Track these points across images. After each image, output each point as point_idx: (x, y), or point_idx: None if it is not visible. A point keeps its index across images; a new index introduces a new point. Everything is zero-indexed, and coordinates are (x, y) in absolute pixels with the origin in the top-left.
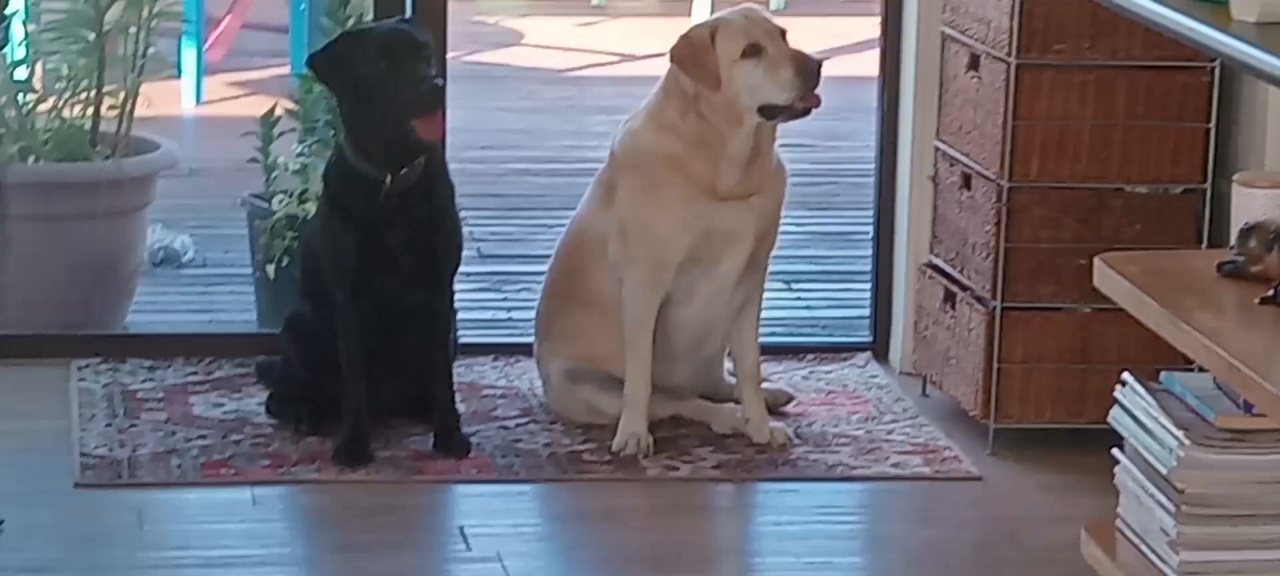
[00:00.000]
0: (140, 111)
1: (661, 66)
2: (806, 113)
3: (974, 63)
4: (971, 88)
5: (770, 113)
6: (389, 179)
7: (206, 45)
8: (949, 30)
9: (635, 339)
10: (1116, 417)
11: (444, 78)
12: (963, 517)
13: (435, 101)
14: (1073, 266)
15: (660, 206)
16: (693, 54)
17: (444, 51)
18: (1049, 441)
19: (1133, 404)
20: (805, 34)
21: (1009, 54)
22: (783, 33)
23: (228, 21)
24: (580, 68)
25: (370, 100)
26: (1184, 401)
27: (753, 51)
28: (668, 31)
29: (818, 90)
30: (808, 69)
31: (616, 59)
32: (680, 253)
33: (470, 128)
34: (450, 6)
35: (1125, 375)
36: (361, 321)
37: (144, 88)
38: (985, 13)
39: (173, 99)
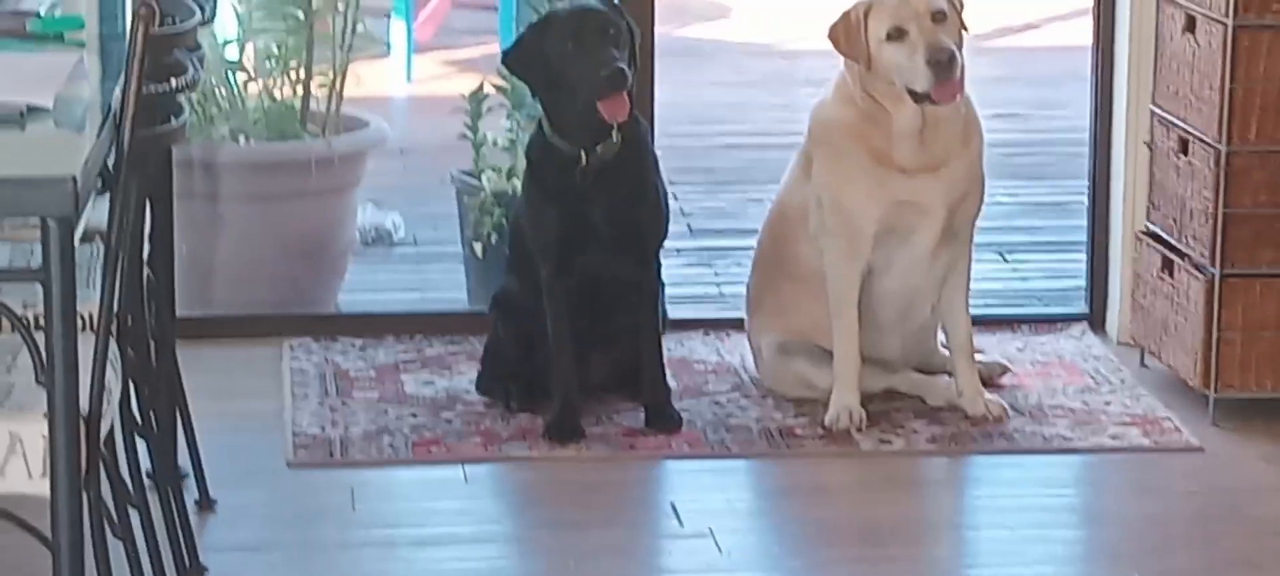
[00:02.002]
0: (350, 90)
1: None
2: (946, 101)
3: (1190, 25)
4: (1188, 51)
5: (915, 97)
6: (584, 155)
7: (417, 24)
8: None
9: (840, 310)
10: None
11: (633, 56)
12: (1183, 489)
13: (618, 83)
14: None
15: (848, 178)
16: (846, 32)
17: (651, 26)
18: (1271, 410)
19: None
20: (1015, 4)
21: (1226, 15)
22: (940, 14)
23: (437, 1)
24: (791, 40)
25: (560, 81)
26: None
27: (897, 34)
28: None
29: (951, 81)
30: (937, 61)
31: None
32: (872, 223)
33: (679, 102)
34: None
35: None
36: (569, 297)
37: (355, 67)
38: None
39: (385, 79)
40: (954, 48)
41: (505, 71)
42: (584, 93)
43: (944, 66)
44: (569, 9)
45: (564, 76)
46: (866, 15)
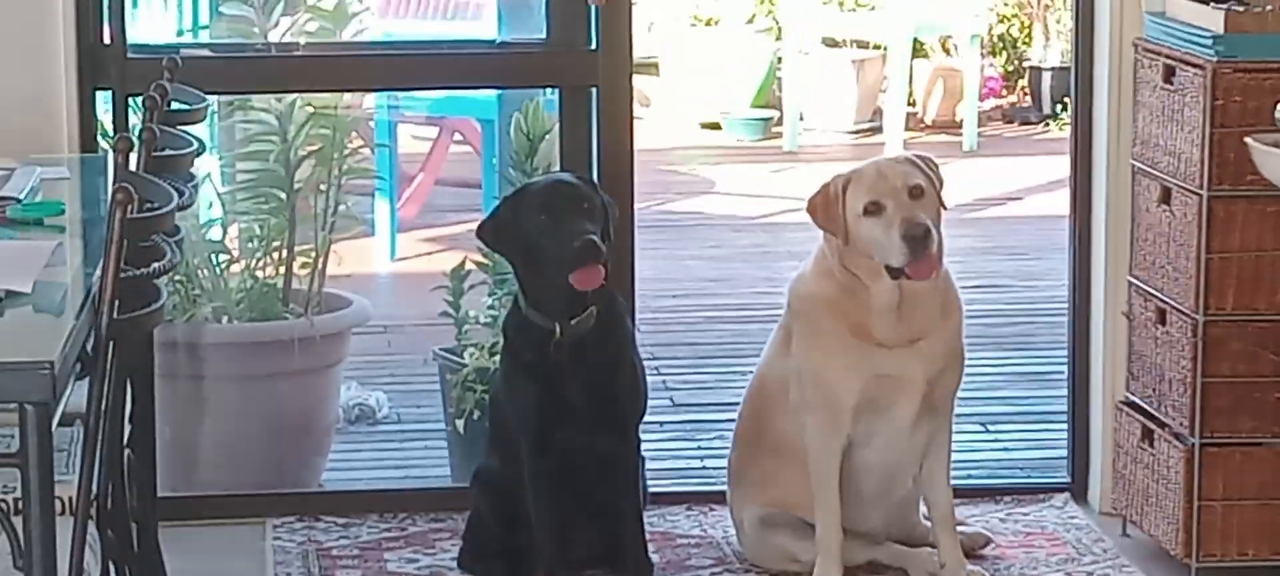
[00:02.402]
0: (332, 269)
1: None
2: (922, 277)
3: (1165, 196)
4: (1164, 222)
5: (892, 272)
6: (559, 329)
7: (400, 202)
8: (1139, 164)
9: (821, 484)
10: None
11: (608, 231)
12: None
13: (590, 254)
14: (1272, 400)
15: (826, 352)
16: (824, 205)
17: (631, 201)
18: None
19: None
20: (995, 174)
21: (1201, 186)
22: (917, 189)
23: (421, 179)
24: (773, 214)
25: (534, 253)
26: None
27: (873, 209)
28: None
29: (927, 257)
30: (913, 236)
31: None
32: (852, 397)
33: (663, 276)
34: (642, 157)
35: None
36: (549, 473)
37: (339, 246)
38: (1176, 145)
39: (368, 256)
40: (930, 223)
41: (481, 244)
42: (557, 264)
43: (919, 242)
44: (544, 182)
45: (537, 248)
46: (845, 189)
